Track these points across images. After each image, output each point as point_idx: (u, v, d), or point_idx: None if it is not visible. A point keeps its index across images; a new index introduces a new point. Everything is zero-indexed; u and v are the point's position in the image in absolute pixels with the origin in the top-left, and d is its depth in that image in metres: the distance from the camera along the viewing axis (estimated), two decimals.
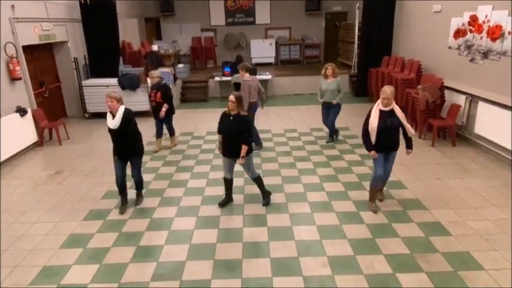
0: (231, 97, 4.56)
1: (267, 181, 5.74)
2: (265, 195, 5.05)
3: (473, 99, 6.88)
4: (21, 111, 7.27)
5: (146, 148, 6.87)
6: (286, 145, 7.37)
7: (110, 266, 3.91)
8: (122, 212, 4.93)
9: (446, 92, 7.44)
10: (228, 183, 4.98)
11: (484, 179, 5.57)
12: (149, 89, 7.06)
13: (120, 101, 4.56)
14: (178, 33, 15.63)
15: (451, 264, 3.74)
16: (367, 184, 5.51)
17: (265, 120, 9.11)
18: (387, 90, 4.33)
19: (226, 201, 5.05)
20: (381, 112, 4.39)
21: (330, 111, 7.06)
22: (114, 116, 4.56)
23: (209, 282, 3.62)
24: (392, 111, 4.39)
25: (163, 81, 7.02)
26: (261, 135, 7.84)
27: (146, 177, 6.04)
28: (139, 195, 5.22)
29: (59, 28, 8.89)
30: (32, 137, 7.60)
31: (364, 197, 5.17)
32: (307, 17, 15.97)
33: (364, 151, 6.82)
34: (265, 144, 7.39)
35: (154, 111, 7.02)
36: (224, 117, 4.74)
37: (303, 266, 3.81)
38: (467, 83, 7.17)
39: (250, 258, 3.95)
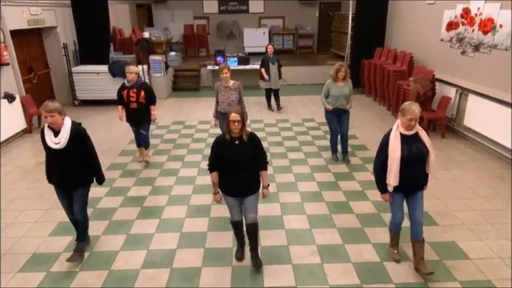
0: (235, 116, 3.32)
1: None
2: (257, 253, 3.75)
3: (463, 91, 6.95)
4: (9, 98, 7.15)
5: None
6: (278, 135, 7.38)
7: (100, 253, 3.91)
8: (74, 259, 3.68)
9: (437, 84, 7.50)
10: (241, 226, 3.74)
11: (471, 171, 5.66)
12: (124, 87, 5.68)
13: (62, 112, 3.44)
14: (170, 20, 15.40)
15: (437, 253, 3.81)
16: (357, 174, 5.58)
17: (257, 110, 9.10)
18: (415, 109, 3.25)
19: (243, 252, 3.84)
20: (403, 137, 3.32)
21: (341, 118, 5.91)
22: (56, 133, 3.45)
23: (199, 270, 3.65)
24: (417, 136, 3.35)
25: (143, 79, 5.95)
26: (253, 125, 7.85)
27: (137, 165, 6.03)
28: (79, 246, 3.77)
29: (47, 13, 8.70)
30: (20, 123, 7.49)
31: (353, 187, 5.23)
32: (301, 7, 15.86)
33: (354, 142, 6.91)
34: (257, 134, 7.38)
35: (132, 115, 5.76)
36: (224, 143, 3.44)
37: (292, 254, 3.85)
38: (458, 75, 7.23)
39: None
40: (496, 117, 6.04)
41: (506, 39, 6.00)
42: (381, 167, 3.44)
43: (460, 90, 7.01)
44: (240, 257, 3.80)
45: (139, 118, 5.79)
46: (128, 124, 5.97)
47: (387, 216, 4.43)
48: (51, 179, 3.70)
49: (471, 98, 6.73)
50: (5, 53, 7.06)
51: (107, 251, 3.94)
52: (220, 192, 3.61)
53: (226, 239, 4.11)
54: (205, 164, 5.95)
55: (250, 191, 3.54)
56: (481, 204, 4.73)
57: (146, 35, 11.43)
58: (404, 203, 3.57)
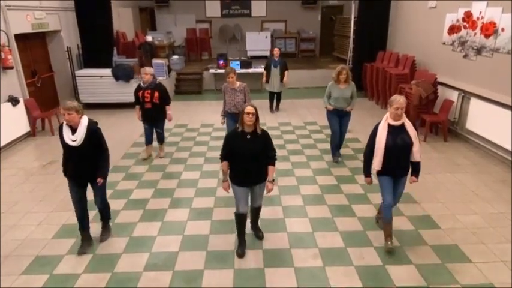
0: (250, 109, 3.56)
1: None
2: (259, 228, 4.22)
3: (465, 95, 6.95)
4: (13, 101, 7.21)
5: (141, 140, 6.83)
6: (280, 138, 7.39)
7: (103, 256, 3.93)
8: (80, 252, 3.94)
9: (439, 87, 7.51)
10: (245, 219, 3.90)
11: (473, 174, 5.65)
12: (140, 88, 5.98)
13: (79, 111, 3.68)
14: (173, 24, 15.50)
15: (440, 256, 3.81)
16: (359, 178, 5.57)
17: (259, 114, 9.09)
18: (400, 99, 3.62)
19: (244, 248, 3.93)
20: (390, 127, 3.69)
21: (342, 120, 5.98)
22: (73, 130, 3.68)
23: (201, 272, 3.66)
24: (403, 127, 3.70)
25: (158, 80, 6.23)
26: None
27: (139, 168, 6.05)
28: (105, 227, 4.23)
29: (51, 17, 8.78)
30: (24, 127, 7.54)
31: (355, 190, 5.23)
32: (303, 10, 15.92)
33: (356, 145, 6.91)
34: None
35: (147, 115, 6.05)
36: (236, 137, 3.68)
37: (294, 257, 3.86)
38: (460, 79, 7.23)
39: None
40: (498, 120, 6.04)
41: (508, 43, 6.01)
42: (370, 153, 3.82)
43: (463, 94, 7.01)
44: (240, 253, 3.87)
45: (154, 118, 6.08)
46: (131, 127, 6.03)
47: None
48: (67, 173, 3.91)
49: (473, 101, 6.73)
50: (9, 56, 7.11)
51: (110, 254, 3.95)
52: (229, 181, 3.82)
53: (228, 242, 4.12)
54: (207, 167, 6.04)
55: (259, 181, 3.79)
56: (484, 207, 4.73)
57: (149, 38, 11.48)
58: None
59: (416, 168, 3.84)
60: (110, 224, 4.33)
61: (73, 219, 4.55)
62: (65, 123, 3.70)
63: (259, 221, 4.26)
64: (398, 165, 3.76)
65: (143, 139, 6.81)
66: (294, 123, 8.34)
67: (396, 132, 3.68)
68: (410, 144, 3.69)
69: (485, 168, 5.86)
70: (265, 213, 4.67)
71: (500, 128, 5.99)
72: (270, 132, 7.64)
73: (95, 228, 4.35)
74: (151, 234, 4.30)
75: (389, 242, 3.87)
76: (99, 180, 3.87)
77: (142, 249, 4.02)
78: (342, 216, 4.59)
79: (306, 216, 4.61)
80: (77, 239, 4.17)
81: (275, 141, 7.09)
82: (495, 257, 3.79)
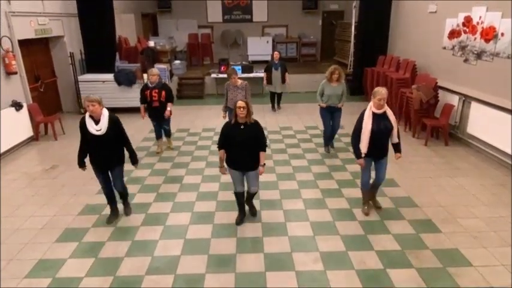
0: (241, 103, 4.03)
1: (261, 178, 5.79)
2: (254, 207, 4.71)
3: (466, 99, 6.98)
4: (17, 106, 7.26)
5: (143, 144, 6.93)
6: (281, 142, 7.42)
7: (105, 260, 3.95)
8: (109, 221, 4.58)
9: (440, 92, 7.53)
10: (242, 197, 4.53)
11: (474, 178, 5.67)
12: (147, 87, 6.37)
13: (101, 103, 4.11)
14: (175, 29, 15.60)
15: (441, 260, 3.82)
16: (360, 181, 5.59)
17: (260, 117, 9.15)
18: (382, 90, 4.17)
19: (242, 218, 4.60)
20: (374, 115, 4.23)
21: (334, 115, 6.56)
22: (96, 121, 4.12)
23: (203, 276, 3.68)
24: (385, 115, 4.26)
25: (163, 80, 6.59)
26: None
27: (141, 172, 6.09)
28: (127, 206, 4.82)
29: (55, 23, 8.86)
30: (27, 131, 7.59)
31: (357, 194, 5.24)
32: (304, 15, 16.01)
33: None
34: None
35: (154, 113, 6.50)
36: (231, 128, 4.18)
37: (295, 261, 3.87)
38: (460, 83, 7.26)
39: (244, 253, 4.01)
40: (499, 124, 6.06)
41: (507, 47, 6.04)
42: (357, 138, 4.35)
43: (463, 98, 7.04)
44: (238, 221, 4.54)
45: (161, 115, 6.49)
46: (133, 131, 6.11)
47: (390, 223, 4.48)
48: (91, 161, 4.32)
49: (474, 105, 6.75)
50: (13, 62, 7.17)
51: (112, 257, 3.98)
52: (226, 166, 4.35)
53: (230, 246, 4.14)
54: (209, 171, 6.07)
55: (251, 167, 4.26)
56: (484, 211, 4.74)
57: (151, 43, 11.56)
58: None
59: (398, 148, 4.47)
60: (130, 202, 4.89)
61: (75, 223, 4.62)
62: (87, 115, 4.11)
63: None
64: (381, 147, 4.35)
65: (145, 143, 6.92)
66: (295, 128, 8.38)
67: (379, 119, 4.23)
68: (391, 129, 4.29)
69: (486, 172, 5.87)
70: (266, 216, 4.71)
71: (500, 132, 6.01)
72: (272, 136, 7.73)
73: (103, 232, 4.39)
74: (153, 237, 4.32)
75: (365, 207, 4.72)
76: (135, 166, 4.57)
77: (144, 253, 4.04)
78: (343, 220, 4.61)
79: (307, 220, 4.62)
80: (79, 243, 4.21)
81: (276, 145, 7.21)
82: (496, 261, 3.79)
